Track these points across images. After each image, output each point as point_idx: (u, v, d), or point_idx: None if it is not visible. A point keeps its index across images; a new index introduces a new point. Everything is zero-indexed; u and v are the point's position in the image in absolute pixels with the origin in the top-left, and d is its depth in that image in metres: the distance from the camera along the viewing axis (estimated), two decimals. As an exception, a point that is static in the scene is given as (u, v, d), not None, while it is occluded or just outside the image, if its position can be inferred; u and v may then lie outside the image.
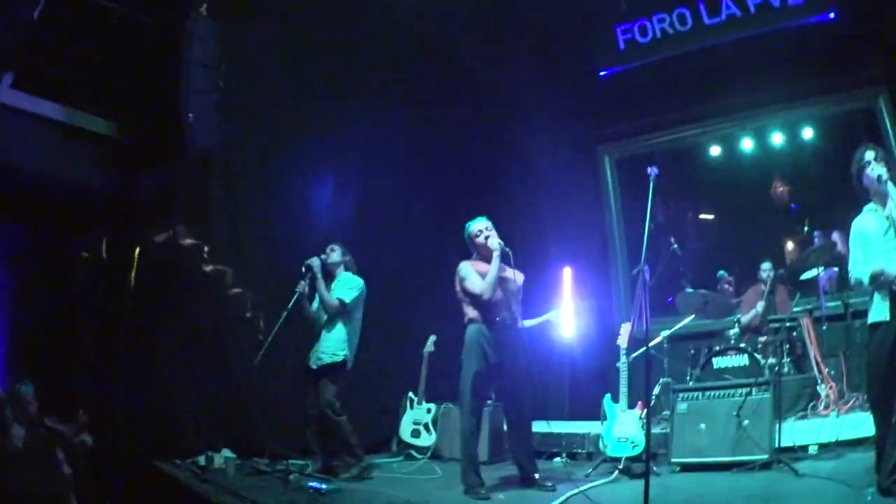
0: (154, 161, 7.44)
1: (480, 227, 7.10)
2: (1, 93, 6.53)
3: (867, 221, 5.48)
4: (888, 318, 5.21)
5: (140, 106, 7.18)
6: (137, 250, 7.38)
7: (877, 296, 5.36)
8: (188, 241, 7.86)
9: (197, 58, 6.79)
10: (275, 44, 8.67)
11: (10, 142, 6.66)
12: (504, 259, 6.89)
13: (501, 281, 6.93)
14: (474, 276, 6.94)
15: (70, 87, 7.02)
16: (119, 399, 7.25)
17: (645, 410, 7.10)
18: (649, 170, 6.02)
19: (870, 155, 5.41)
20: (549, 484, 6.85)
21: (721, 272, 10.92)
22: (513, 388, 7.10)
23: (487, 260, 6.97)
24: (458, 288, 7.05)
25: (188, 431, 7.65)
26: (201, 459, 7.30)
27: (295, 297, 7.48)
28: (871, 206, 5.52)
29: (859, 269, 5.43)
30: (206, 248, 7.94)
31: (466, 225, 7.23)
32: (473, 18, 9.96)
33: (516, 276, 7.08)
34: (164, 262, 7.66)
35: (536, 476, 6.96)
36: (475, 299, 6.91)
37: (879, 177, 5.26)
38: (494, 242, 6.92)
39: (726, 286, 10.79)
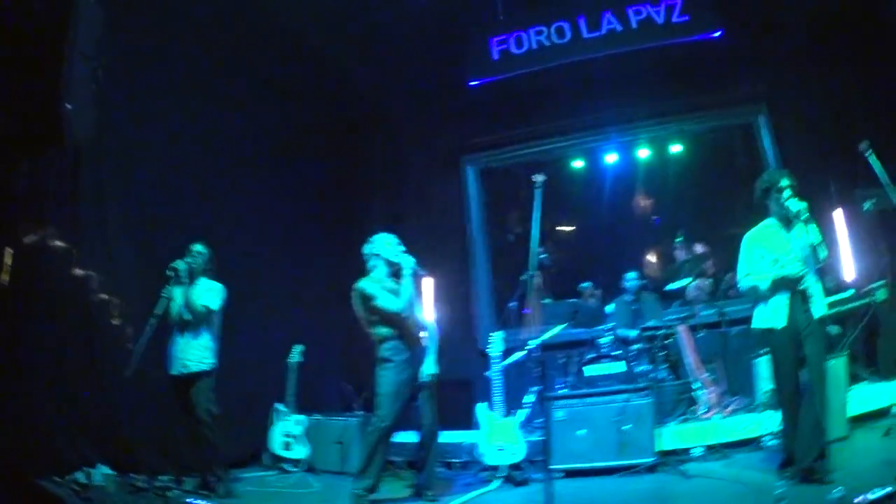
0: (26, 151, 6.88)
1: (395, 242, 7.07)
2: None
3: (768, 237, 5.82)
4: (785, 324, 5.60)
5: (14, 92, 6.63)
6: (9, 253, 6.81)
7: (768, 303, 5.73)
8: (57, 244, 7.32)
9: (81, 45, 6.33)
10: (151, 36, 8.19)
11: None
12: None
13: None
14: (384, 293, 6.83)
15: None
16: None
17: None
18: (535, 177, 6.13)
19: (786, 182, 5.70)
20: (430, 494, 6.79)
21: (585, 283, 11.02)
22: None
23: (395, 276, 6.97)
24: (360, 309, 6.89)
25: (61, 446, 7.07)
26: (80, 476, 6.77)
27: (163, 302, 7.06)
28: (771, 223, 5.87)
29: (752, 278, 5.79)
30: (74, 251, 7.42)
31: (377, 238, 7.11)
32: (346, 20, 9.73)
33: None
34: (34, 266, 7.09)
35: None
36: (388, 317, 6.79)
37: (799, 212, 5.54)
38: (408, 260, 6.91)
39: (590, 298, 10.91)
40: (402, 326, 6.82)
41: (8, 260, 6.85)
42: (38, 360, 7.16)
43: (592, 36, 9.49)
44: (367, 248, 7.11)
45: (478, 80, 10.36)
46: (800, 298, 5.60)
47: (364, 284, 6.85)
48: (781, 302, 5.63)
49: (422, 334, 7.10)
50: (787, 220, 5.73)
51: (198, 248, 7.45)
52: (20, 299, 7.01)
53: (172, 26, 8.28)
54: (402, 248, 7.01)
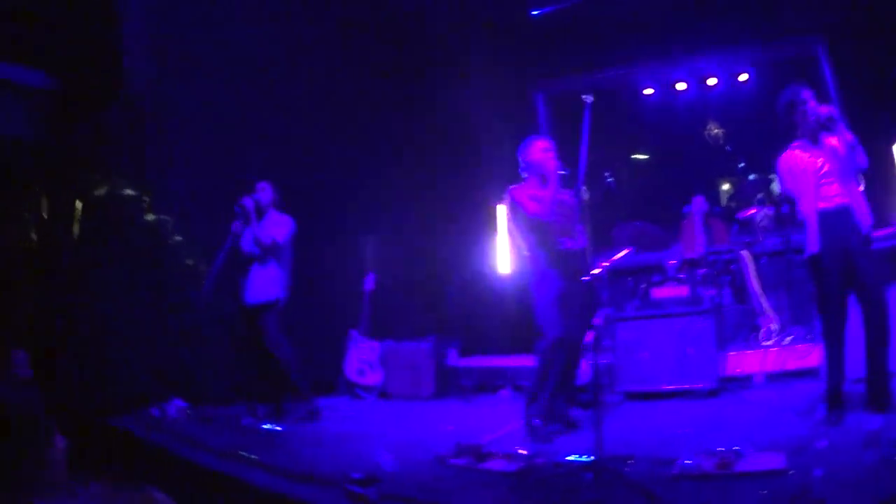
0: (88, 108, 7.22)
1: (546, 146, 6.38)
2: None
3: (797, 158, 5.54)
4: (818, 249, 5.36)
5: (73, 51, 6.95)
6: (80, 205, 7.19)
7: (806, 229, 5.48)
8: (127, 192, 7.69)
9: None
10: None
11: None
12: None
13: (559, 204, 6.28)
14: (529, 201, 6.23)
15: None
16: (66, 353, 7.18)
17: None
18: (584, 97, 6.10)
19: (807, 94, 5.51)
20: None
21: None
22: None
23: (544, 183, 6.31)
24: (512, 213, 6.40)
25: (137, 382, 7.50)
26: (155, 411, 7.16)
27: (231, 238, 7.47)
28: (799, 143, 5.58)
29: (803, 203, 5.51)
30: (145, 199, 7.79)
31: (524, 144, 6.45)
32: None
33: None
34: (106, 216, 7.48)
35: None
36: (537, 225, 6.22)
37: (830, 117, 5.32)
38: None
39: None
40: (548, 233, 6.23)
41: (79, 210, 7.25)
42: (112, 301, 7.61)
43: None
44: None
45: (539, 10, 10.35)
46: (840, 217, 5.31)
47: (511, 190, 6.38)
48: (814, 226, 5.37)
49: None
50: (815, 135, 5.46)
51: (264, 184, 7.75)
52: (95, 246, 7.42)
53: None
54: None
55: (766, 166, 9.98)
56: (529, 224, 6.25)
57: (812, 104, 5.47)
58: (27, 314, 7.33)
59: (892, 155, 8.38)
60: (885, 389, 5.18)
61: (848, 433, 4.85)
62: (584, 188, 6.14)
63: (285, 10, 9.24)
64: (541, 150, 6.31)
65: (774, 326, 7.95)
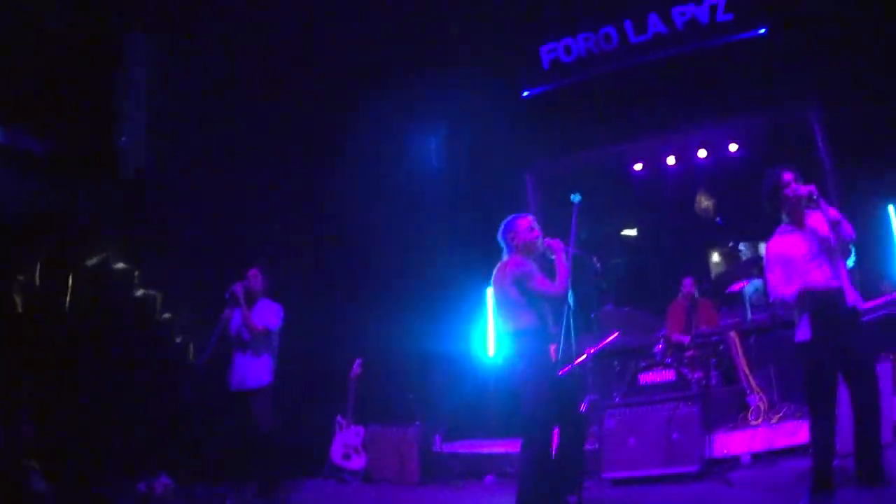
0: (88, 181, 7.29)
1: (530, 223, 6.04)
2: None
3: (783, 242, 5.47)
4: (810, 337, 5.20)
5: (72, 125, 7.03)
6: (72, 275, 7.21)
7: (798, 315, 5.34)
8: (119, 266, 7.71)
9: (131, 78, 6.68)
10: (200, 67, 8.49)
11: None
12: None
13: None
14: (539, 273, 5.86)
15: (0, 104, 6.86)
16: (56, 424, 7.16)
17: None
18: (572, 197, 5.91)
19: (789, 176, 5.41)
20: None
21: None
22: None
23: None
24: (514, 289, 5.81)
25: (124, 457, 7.48)
26: (142, 486, 7.19)
27: (221, 323, 7.42)
28: (784, 226, 5.51)
29: (782, 290, 5.39)
30: (136, 273, 7.80)
31: (508, 221, 6.06)
32: (401, 39, 9.93)
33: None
34: (97, 287, 7.49)
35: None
36: (540, 303, 5.84)
37: (810, 194, 5.21)
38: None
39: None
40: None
41: (70, 282, 7.27)
42: (102, 374, 7.58)
43: (640, 40, 9.50)
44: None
45: (530, 91, 10.44)
46: (830, 301, 5.17)
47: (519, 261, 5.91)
48: (805, 314, 5.23)
49: None
50: (801, 218, 5.41)
51: (254, 271, 7.73)
52: (86, 318, 7.43)
53: (221, 56, 8.57)
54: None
55: (757, 236, 9.95)
56: (539, 298, 5.79)
57: (794, 186, 5.37)
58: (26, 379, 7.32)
59: (887, 218, 8.33)
60: (878, 464, 5.05)
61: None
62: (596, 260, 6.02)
63: (280, 94, 9.32)
64: (526, 229, 5.96)
65: (763, 405, 7.83)
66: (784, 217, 5.51)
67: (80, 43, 7.20)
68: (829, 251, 5.29)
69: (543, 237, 5.94)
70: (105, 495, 6.68)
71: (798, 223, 5.43)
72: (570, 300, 5.77)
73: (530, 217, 6.11)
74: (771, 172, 5.55)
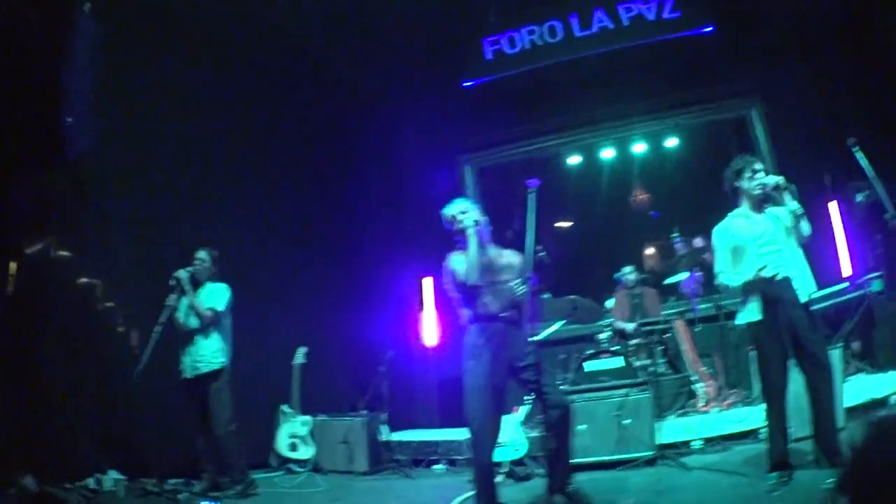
0: (30, 167, 7.01)
1: (463, 207, 5.84)
2: None
3: (738, 227, 5.64)
4: (760, 316, 5.42)
5: (14, 107, 6.74)
6: (14, 265, 6.93)
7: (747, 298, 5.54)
8: (60, 254, 7.44)
9: (78, 59, 6.43)
10: (146, 45, 8.25)
11: None
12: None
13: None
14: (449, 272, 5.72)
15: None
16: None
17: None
18: (529, 182, 5.74)
19: (759, 165, 5.64)
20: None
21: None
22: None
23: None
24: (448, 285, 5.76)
25: (72, 453, 7.21)
26: (91, 482, 6.96)
27: (167, 310, 7.25)
28: (741, 211, 5.69)
29: (728, 275, 5.60)
30: (78, 261, 7.55)
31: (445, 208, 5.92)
32: (340, 22, 9.84)
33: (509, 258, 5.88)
34: (37, 277, 7.21)
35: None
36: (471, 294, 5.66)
37: (778, 183, 5.42)
38: (468, 220, 5.68)
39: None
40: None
41: (13, 271, 7.00)
42: (47, 367, 7.31)
43: (584, 34, 9.62)
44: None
45: (472, 81, 10.47)
46: (781, 287, 5.35)
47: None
48: (756, 295, 5.44)
49: None
50: (761, 202, 5.58)
51: (200, 255, 7.60)
52: (27, 308, 7.14)
53: (169, 33, 8.35)
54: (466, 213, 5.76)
55: (693, 231, 10.16)
56: (459, 289, 5.67)
57: (762, 174, 5.56)
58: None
59: (828, 215, 8.59)
60: (836, 445, 5.25)
61: (808, 492, 4.94)
62: (543, 251, 5.78)
63: (225, 75, 9.14)
64: (459, 211, 5.77)
65: (711, 391, 8.01)
66: (744, 202, 5.67)
67: (22, 18, 6.90)
68: (786, 241, 5.49)
69: (479, 222, 5.66)
70: (54, 492, 6.44)
71: (757, 209, 5.60)
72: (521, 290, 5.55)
73: (466, 202, 5.92)
74: (742, 158, 5.76)
